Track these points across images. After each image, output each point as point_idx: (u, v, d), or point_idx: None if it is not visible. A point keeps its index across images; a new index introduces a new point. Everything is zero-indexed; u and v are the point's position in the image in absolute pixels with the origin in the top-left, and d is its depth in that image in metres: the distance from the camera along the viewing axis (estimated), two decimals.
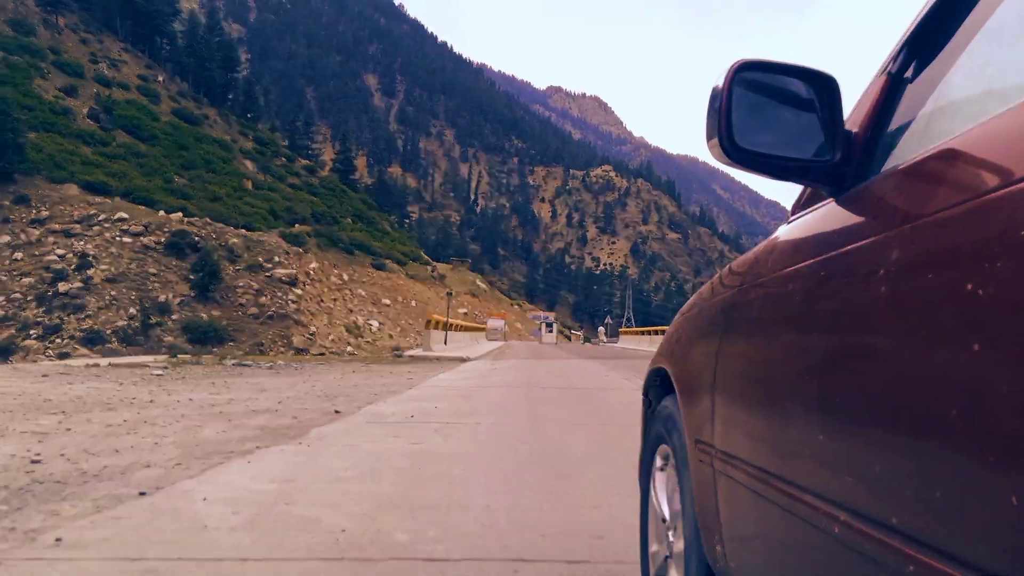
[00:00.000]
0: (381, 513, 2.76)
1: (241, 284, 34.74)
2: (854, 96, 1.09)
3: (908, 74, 0.98)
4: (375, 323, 42.16)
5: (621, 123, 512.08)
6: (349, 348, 33.43)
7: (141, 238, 34.73)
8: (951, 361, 0.58)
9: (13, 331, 28.49)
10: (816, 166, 0.99)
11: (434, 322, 23.42)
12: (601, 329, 72.91)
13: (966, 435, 0.55)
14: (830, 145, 0.98)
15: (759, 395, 1.04)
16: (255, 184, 53.06)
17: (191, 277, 33.05)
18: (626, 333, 51.98)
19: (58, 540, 2.33)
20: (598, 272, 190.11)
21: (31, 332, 28.58)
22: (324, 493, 3.10)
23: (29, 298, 30.25)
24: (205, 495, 3.00)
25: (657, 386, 1.78)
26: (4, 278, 30.84)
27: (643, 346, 32.23)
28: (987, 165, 0.61)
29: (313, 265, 42.34)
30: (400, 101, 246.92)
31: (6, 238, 32.91)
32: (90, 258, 32.24)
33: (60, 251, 32.54)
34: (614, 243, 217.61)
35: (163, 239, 35.24)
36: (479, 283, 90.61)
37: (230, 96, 70.09)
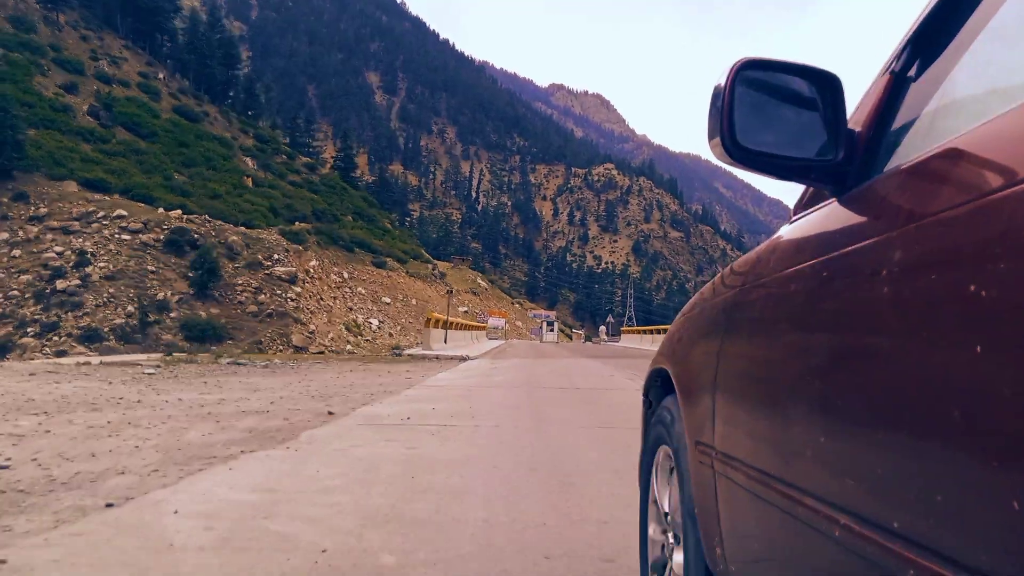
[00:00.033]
0: (368, 529, 2.51)
1: (240, 282, 34.48)
2: (857, 95, 1.09)
3: (911, 73, 0.97)
4: (375, 321, 41.91)
5: (623, 121, 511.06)
6: (349, 346, 33.19)
7: (140, 235, 34.45)
8: (954, 363, 0.57)
9: (11, 329, 28.26)
10: (819, 165, 0.98)
11: (434, 320, 23.19)
12: (602, 328, 72.74)
13: (968, 437, 0.54)
14: (833, 144, 0.97)
15: (760, 396, 1.03)
16: (255, 181, 52.75)
17: (190, 275, 32.78)
18: (628, 332, 51.77)
19: (2, 563, 2.08)
20: (599, 271, 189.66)
21: (28, 330, 28.34)
22: (308, 505, 2.85)
23: (27, 295, 30.02)
24: (177, 507, 2.75)
25: (658, 387, 1.78)
26: (2, 275, 30.61)
27: (645, 345, 32.01)
28: (991, 165, 0.60)
29: (313, 263, 42.08)
30: (401, 99, 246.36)
31: (4, 235, 32.67)
32: (88, 255, 31.99)
33: (58, 248, 32.27)
34: (616, 241, 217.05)
35: (162, 236, 34.97)
36: (480, 281, 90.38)
37: (231, 93, 69.74)
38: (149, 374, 9.84)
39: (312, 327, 34.19)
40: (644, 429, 1.91)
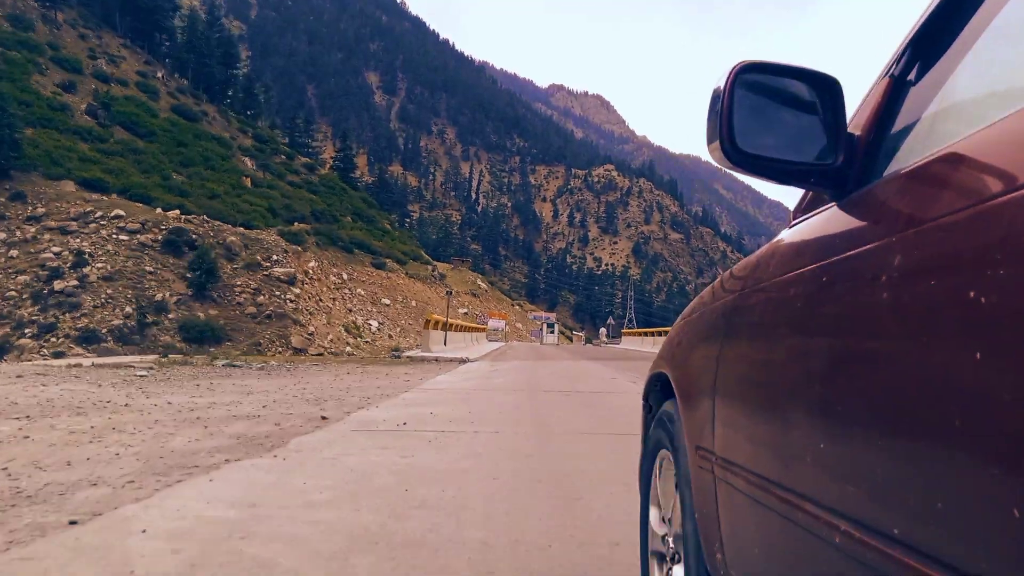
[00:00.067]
0: (354, 552, 2.28)
1: (239, 283, 34.24)
2: (857, 98, 1.08)
3: (911, 76, 0.97)
4: (374, 323, 41.66)
5: (623, 122, 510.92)
6: (348, 348, 32.96)
7: (138, 236, 34.21)
8: (954, 368, 0.57)
9: (8, 330, 28.03)
10: (818, 170, 0.98)
11: (433, 322, 22.97)
12: (603, 330, 72.60)
13: (969, 443, 0.54)
14: (832, 148, 0.97)
15: (760, 401, 1.03)
16: (254, 182, 52.49)
17: (188, 275, 32.54)
18: (628, 334, 51.58)
19: None
20: (599, 272, 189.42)
21: (26, 331, 28.09)
22: (289, 523, 2.62)
23: (24, 296, 29.78)
24: (146, 525, 2.52)
25: (657, 391, 1.76)
26: None
27: (646, 347, 31.80)
28: (991, 169, 0.60)
29: (312, 264, 41.82)
30: (401, 99, 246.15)
31: (1, 235, 32.42)
32: (86, 256, 31.74)
33: (56, 248, 32.03)
34: (616, 243, 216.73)
35: (160, 237, 34.72)
36: (480, 283, 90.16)
37: (230, 93, 69.49)
38: (141, 376, 9.61)
39: (311, 329, 33.95)
40: (644, 433, 1.89)
